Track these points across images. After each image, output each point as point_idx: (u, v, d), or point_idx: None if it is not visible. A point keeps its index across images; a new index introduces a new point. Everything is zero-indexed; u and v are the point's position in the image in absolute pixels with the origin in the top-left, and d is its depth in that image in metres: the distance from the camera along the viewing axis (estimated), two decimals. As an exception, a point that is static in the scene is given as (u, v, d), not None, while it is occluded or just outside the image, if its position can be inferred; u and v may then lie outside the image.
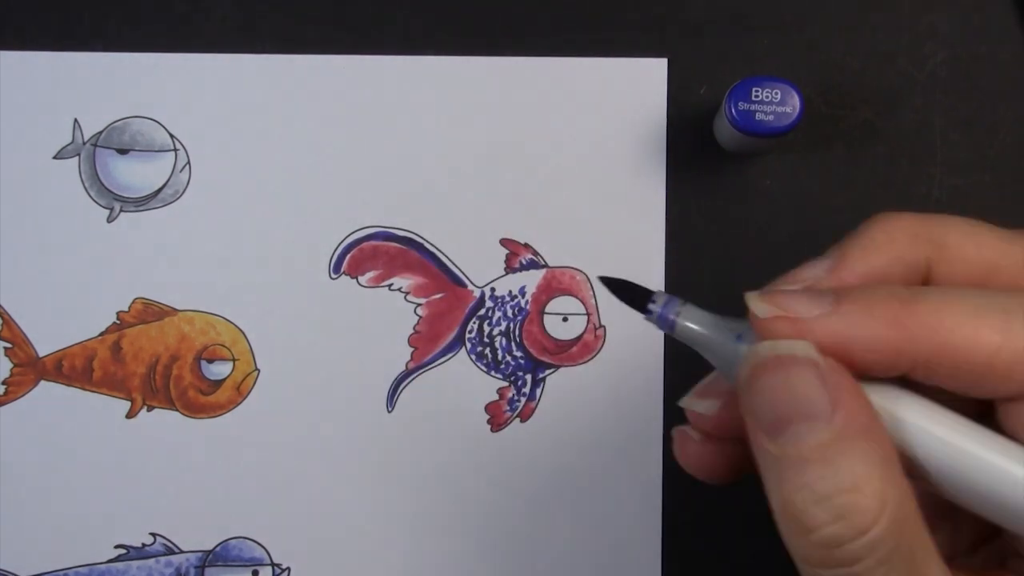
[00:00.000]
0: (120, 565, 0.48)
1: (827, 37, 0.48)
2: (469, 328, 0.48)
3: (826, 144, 0.48)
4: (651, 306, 0.31)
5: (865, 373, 0.28)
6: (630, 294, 0.31)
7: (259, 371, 0.48)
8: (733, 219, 0.46)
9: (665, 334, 0.31)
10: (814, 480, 0.27)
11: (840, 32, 0.48)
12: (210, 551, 0.48)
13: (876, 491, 0.27)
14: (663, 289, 0.47)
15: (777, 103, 0.43)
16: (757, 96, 0.43)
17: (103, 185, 0.48)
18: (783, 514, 0.28)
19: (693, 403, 0.32)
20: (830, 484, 0.27)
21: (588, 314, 0.48)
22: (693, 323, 0.31)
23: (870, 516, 0.27)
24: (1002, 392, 0.28)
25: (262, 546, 0.48)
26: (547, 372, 0.48)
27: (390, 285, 0.48)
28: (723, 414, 0.32)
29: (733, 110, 0.43)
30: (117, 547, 0.48)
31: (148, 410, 0.48)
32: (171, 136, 0.48)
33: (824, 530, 0.27)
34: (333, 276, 0.48)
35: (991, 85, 0.48)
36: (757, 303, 0.29)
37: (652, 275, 0.48)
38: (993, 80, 0.48)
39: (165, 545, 0.48)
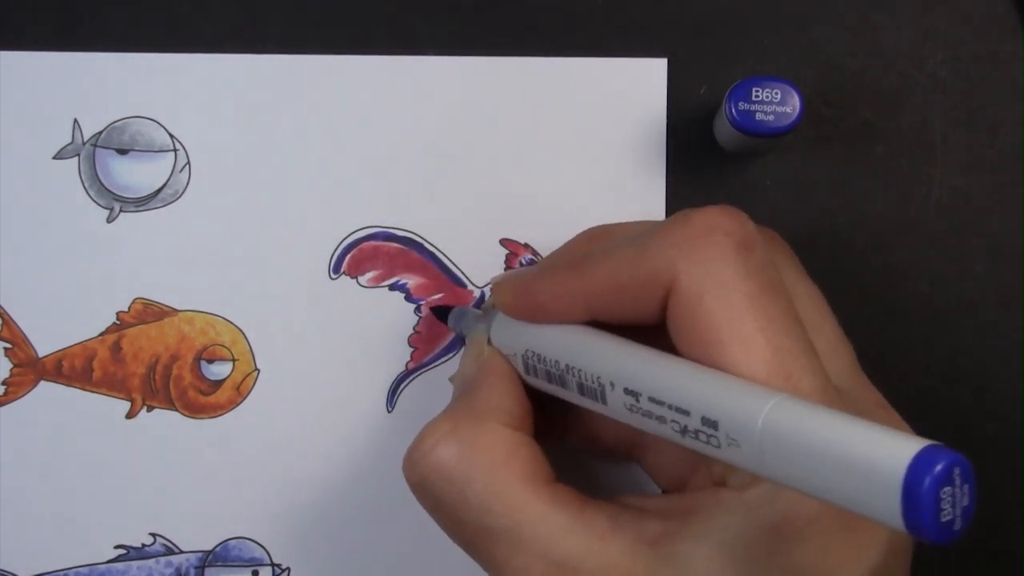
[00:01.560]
0: (120, 565, 0.48)
1: (827, 37, 0.48)
2: (469, 328, 0.48)
3: (826, 144, 0.48)
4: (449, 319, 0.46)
5: (566, 320, 0.37)
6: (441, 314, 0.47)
7: (259, 371, 0.48)
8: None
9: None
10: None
11: (840, 32, 0.48)
12: (210, 551, 0.48)
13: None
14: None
15: (777, 103, 0.43)
16: (757, 96, 0.43)
17: (103, 185, 0.48)
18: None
19: None
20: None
21: (588, 314, 0.48)
22: (459, 321, 0.45)
23: (426, 444, 0.37)
24: (655, 294, 0.34)
25: (262, 546, 0.48)
26: (547, 372, 0.48)
27: (390, 285, 0.48)
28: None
29: (733, 110, 0.43)
30: (117, 547, 0.48)
31: (148, 410, 0.48)
32: (171, 136, 0.48)
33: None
34: (333, 276, 0.48)
35: (991, 85, 0.48)
36: (496, 280, 0.40)
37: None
38: (993, 80, 0.48)
39: (165, 545, 0.48)
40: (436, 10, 0.48)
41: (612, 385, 0.34)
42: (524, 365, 0.39)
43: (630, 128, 0.48)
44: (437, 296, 0.48)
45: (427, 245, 0.48)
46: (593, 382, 0.35)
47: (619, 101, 0.48)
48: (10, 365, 0.48)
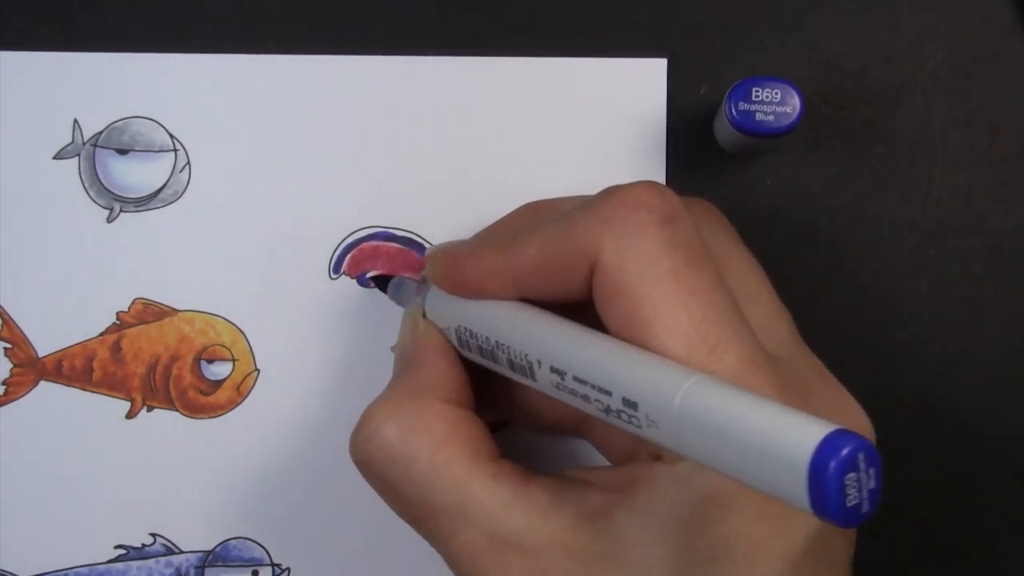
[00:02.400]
0: (120, 565, 0.48)
1: (827, 37, 0.48)
2: (469, 328, 0.48)
3: (826, 144, 0.48)
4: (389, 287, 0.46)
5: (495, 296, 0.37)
6: (382, 284, 0.47)
7: (259, 371, 0.48)
8: (733, 219, 0.46)
9: None
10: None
11: (840, 32, 0.48)
12: (210, 551, 0.48)
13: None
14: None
15: (777, 103, 0.43)
16: (757, 96, 0.43)
17: (103, 185, 0.48)
18: None
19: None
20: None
21: (587, 314, 0.48)
22: (397, 292, 0.46)
23: (371, 424, 0.38)
24: (580, 270, 0.34)
25: (262, 546, 0.48)
26: (547, 372, 0.48)
27: (390, 285, 0.48)
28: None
29: (733, 110, 0.43)
30: (117, 547, 0.48)
31: (148, 410, 0.48)
32: (171, 136, 0.48)
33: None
34: (333, 276, 0.48)
35: (991, 85, 0.48)
36: (429, 248, 0.42)
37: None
38: (993, 80, 0.48)
39: (165, 545, 0.48)
40: (436, 10, 0.48)
41: (539, 363, 0.35)
42: (458, 339, 0.39)
43: (630, 128, 0.48)
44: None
45: (427, 245, 0.48)
46: (522, 359, 0.35)
47: (619, 101, 0.48)
48: (10, 365, 0.48)
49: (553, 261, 0.35)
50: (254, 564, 0.48)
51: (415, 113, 0.48)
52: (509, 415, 0.43)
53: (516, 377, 0.37)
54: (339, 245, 0.48)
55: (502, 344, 0.36)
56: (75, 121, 0.48)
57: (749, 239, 0.45)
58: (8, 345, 0.48)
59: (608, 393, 0.32)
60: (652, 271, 0.33)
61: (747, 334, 0.33)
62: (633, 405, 0.31)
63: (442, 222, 0.48)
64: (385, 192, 0.48)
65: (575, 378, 0.33)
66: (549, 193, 0.47)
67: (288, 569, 0.48)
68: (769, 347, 0.34)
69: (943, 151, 0.47)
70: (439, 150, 0.48)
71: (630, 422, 0.31)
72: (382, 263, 0.48)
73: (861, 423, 0.36)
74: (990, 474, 0.47)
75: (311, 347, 0.48)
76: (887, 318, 0.47)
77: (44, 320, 0.48)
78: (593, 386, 0.32)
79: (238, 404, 0.48)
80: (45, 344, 0.48)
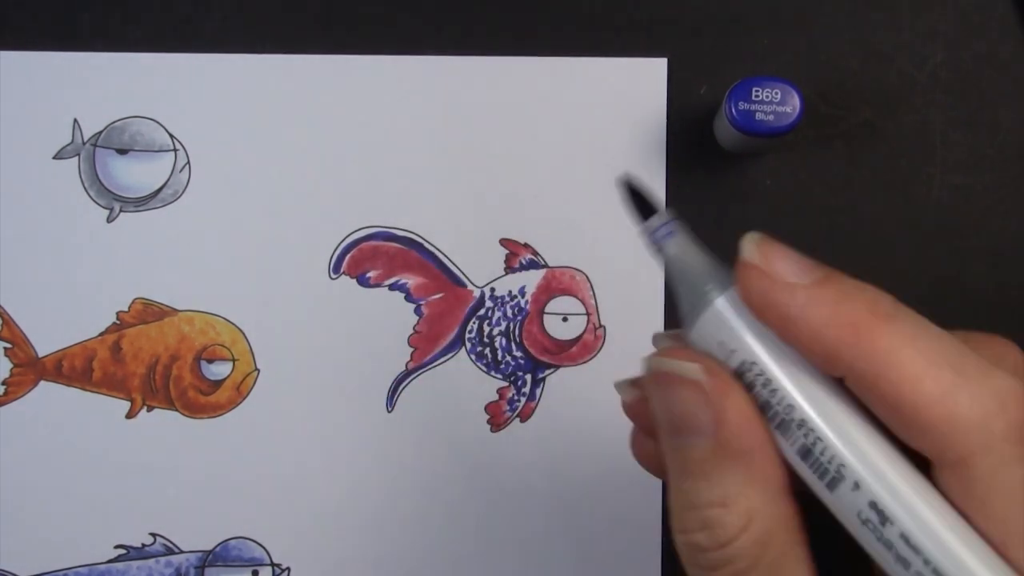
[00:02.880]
0: (120, 565, 0.48)
1: (827, 37, 0.48)
2: (469, 328, 0.48)
3: (826, 144, 0.48)
4: (650, 220, 0.31)
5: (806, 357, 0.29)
6: (639, 203, 0.32)
7: (259, 371, 0.48)
8: (733, 219, 0.46)
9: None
10: (689, 489, 0.29)
11: (840, 32, 0.48)
12: (210, 551, 0.48)
13: (743, 509, 0.28)
14: (663, 284, 0.47)
15: (777, 103, 0.43)
16: (757, 96, 0.43)
17: (103, 185, 0.48)
18: (670, 510, 0.30)
19: (622, 388, 0.33)
20: (702, 496, 0.29)
21: (588, 314, 0.48)
22: (677, 252, 0.31)
23: (731, 531, 0.28)
24: (928, 448, 0.28)
25: (262, 546, 0.48)
26: (547, 372, 0.48)
27: (390, 285, 0.48)
28: (645, 406, 0.32)
29: (733, 110, 0.43)
30: (117, 547, 0.48)
31: (148, 410, 0.48)
32: (171, 136, 0.48)
33: (691, 536, 0.29)
34: (333, 276, 0.48)
35: (991, 85, 0.48)
36: (749, 244, 0.29)
37: (652, 274, 0.48)
38: (993, 80, 0.48)
39: (165, 545, 0.48)
40: (437, 10, 0.48)
41: (856, 486, 0.28)
42: (739, 374, 0.30)
43: (630, 128, 0.48)
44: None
45: (427, 245, 0.48)
46: (827, 462, 0.28)
47: (619, 101, 0.48)
48: (10, 365, 0.48)
49: (911, 406, 0.27)
50: (254, 564, 0.48)
51: (414, 113, 0.48)
52: None
53: (800, 467, 0.29)
54: (339, 245, 0.48)
55: (810, 430, 0.29)
56: (75, 121, 0.48)
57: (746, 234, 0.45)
58: (8, 345, 0.48)
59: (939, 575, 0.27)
60: (1012, 498, 0.27)
61: None
62: None
63: (441, 222, 0.48)
64: (385, 192, 0.48)
65: (903, 536, 0.28)
66: (549, 193, 0.48)
67: (288, 569, 0.48)
68: None
69: (943, 151, 0.48)
70: (439, 150, 0.48)
71: None
72: (382, 263, 0.48)
73: None
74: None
75: (311, 347, 0.48)
76: (887, 318, 0.47)
77: (44, 320, 0.48)
78: (927, 561, 0.27)
79: (238, 404, 0.48)
80: (45, 344, 0.48)
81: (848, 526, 0.28)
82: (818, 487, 0.29)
